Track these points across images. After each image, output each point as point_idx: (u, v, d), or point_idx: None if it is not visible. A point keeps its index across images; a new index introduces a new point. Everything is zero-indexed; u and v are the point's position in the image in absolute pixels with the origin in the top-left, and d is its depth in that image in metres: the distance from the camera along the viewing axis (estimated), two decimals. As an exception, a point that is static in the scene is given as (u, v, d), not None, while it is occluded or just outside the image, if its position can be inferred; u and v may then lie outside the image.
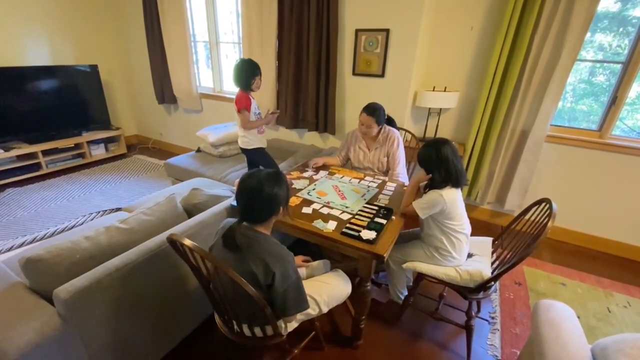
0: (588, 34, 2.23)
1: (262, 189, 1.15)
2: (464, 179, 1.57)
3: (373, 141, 2.30)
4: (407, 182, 2.21)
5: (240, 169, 2.91)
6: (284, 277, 1.16)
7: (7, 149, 3.43)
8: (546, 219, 1.47)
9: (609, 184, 2.53)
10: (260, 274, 1.14)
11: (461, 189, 1.60)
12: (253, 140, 2.40)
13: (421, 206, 1.58)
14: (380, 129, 2.24)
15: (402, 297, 1.94)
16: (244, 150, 2.48)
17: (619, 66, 2.38)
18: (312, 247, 2.20)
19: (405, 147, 2.33)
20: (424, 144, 1.63)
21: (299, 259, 1.59)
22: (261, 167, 1.32)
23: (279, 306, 1.19)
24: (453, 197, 1.55)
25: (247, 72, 2.21)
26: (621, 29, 2.37)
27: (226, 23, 3.76)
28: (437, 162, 1.54)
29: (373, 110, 2.14)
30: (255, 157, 2.49)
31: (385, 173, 2.34)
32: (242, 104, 2.26)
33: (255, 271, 1.13)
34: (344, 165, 2.49)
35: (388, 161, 2.29)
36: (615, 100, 2.40)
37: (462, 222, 1.62)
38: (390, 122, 2.32)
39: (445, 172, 1.53)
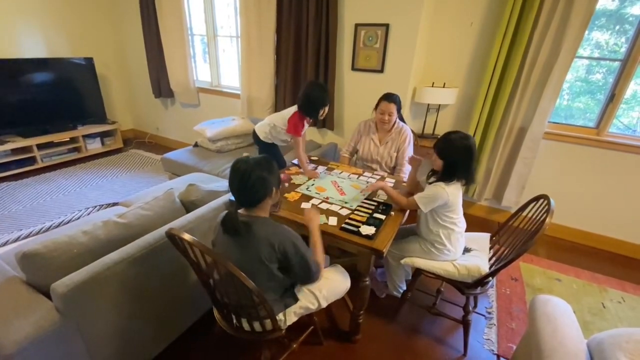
0: (586, 32, 2.24)
1: (252, 171, 1.19)
2: (472, 179, 1.57)
3: (386, 134, 2.29)
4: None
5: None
6: (294, 248, 1.22)
7: (1, 143, 3.39)
8: (544, 215, 1.48)
9: (606, 181, 2.55)
10: (267, 252, 1.18)
11: (464, 186, 1.59)
12: (274, 138, 2.26)
13: (423, 200, 1.58)
14: (396, 120, 2.24)
15: (401, 291, 1.95)
16: (257, 140, 2.33)
17: (616, 64, 2.39)
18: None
19: None
20: (450, 132, 1.56)
21: None
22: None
23: (302, 276, 1.30)
24: (456, 192, 1.55)
25: (319, 99, 2.00)
26: (618, 27, 2.38)
27: (224, 17, 3.72)
28: (465, 155, 1.51)
29: (393, 98, 2.14)
30: (265, 149, 2.35)
31: (392, 169, 2.34)
32: (296, 130, 2.06)
33: (260, 255, 1.17)
34: (351, 159, 2.48)
35: (397, 156, 2.28)
36: (612, 98, 2.41)
37: (459, 216, 1.63)
38: (400, 117, 2.32)
39: (466, 167, 1.52)
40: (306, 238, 1.70)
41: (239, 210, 1.25)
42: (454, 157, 1.53)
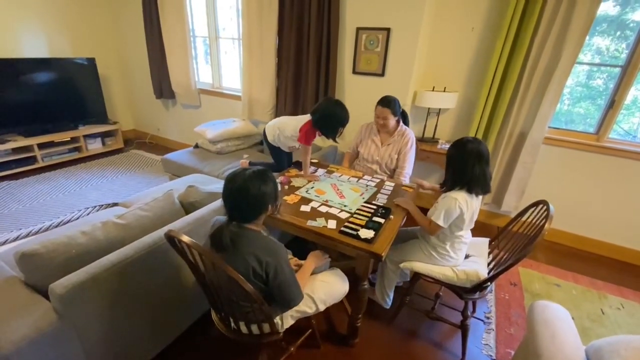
0: (586, 37, 2.24)
1: (248, 188, 1.15)
2: (478, 187, 1.49)
3: (388, 136, 2.29)
4: (408, 183, 2.22)
5: (239, 166, 2.89)
6: (276, 270, 1.17)
7: (2, 142, 3.40)
8: (543, 221, 1.48)
9: (605, 187, 2.55)
10: (252, 270, 1.14)
11: (476, 195, 1.52)
12: (280, 143, 2.27)
13: (440, 216, 1.51)
14: (398, 121, 2.24)
15: (389, 301, 1.93)
16: (265, 139, 2.35)
17: (617, 70, 2.40)
18: (310, 245, 2.20)
19: None
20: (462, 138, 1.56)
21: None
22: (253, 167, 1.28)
23: (280, 298, 1.22)
24: (470, 202, 1.50)
25: (341, 119, 1.97)
26: (619, 33, 2.39)
27: (226, 19, 3.73)
28: (455, 160, 1.50)
29: (388, 102, 2.13)
30: (270, 149, 2.39)
31: (392, 171, 2.35)
32: (303, 139, 2.06)
33: (243, 271, 1.12)
34: (354, 157, 2.48)
35: (398, 159, 2.28)
36: (613, 104, 2.42)
37: (467, 232, 1.62)
38: (405, 117, 2.32)
39: (459, 172, 1.49)
40: (301, 240, 1.71)
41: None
42: (447, 160, 1.54)
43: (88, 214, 2.82)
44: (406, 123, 2.32)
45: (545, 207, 1.54)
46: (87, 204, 3.02)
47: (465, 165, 1.47)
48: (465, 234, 1.61)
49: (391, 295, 1.93)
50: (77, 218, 2.76)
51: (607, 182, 2.54)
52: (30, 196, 3.13)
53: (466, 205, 1.49)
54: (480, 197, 1.56)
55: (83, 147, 4.05)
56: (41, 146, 3.67)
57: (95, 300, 1.22)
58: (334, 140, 2.08)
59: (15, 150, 3.54)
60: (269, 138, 2.28)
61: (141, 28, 3.95)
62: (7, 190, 3.21)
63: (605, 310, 2.08)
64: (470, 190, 1.50)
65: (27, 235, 2.49)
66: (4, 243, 2.39)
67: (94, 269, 1.21)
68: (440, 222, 1.52)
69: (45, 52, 3.79)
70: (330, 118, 1.97)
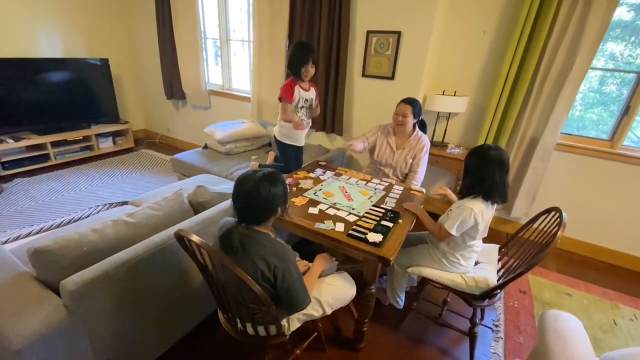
0: (600, 43, 2.20)
1: (258, 191, 1.15)
2: (496, 196, 1.47)
3: (404, 140, 2.29)
4: (419, 188, 2.21)
5: (247, 167, 2.91)
6: (285, 274, 1.16)
7: (16, 139, 3.47)
8: (556, 228, 1.45)
9: (619, 195, 2.50)
10: (260, 273, 1.14)
11: (492, 204, 1.51)
12: (287, 134, 2.36)
13: (454, 225, 1.48)
14: (415, 125, 2.26)
15: (401, 302, 1.92)
16: (275, 139, 2.46)
17: (631, 75, 2.36)
18: (317, 247, 2.20)
19: None
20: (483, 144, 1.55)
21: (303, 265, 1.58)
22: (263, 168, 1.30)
23: (287, 301, 1.22)
24: (485, 211, 1.47)
25: (297, 58, 2.15)
26: (634, 38, 2.35)
27: (236, 21, 3.77)
28: (476, 166, 1.48)
29: (410, 101, 2.18)
30: (280, 148, 2.46)
31: (404, 176, 2.34)
32: (281, 93, 2.21)
33: (251, 273, 1.12)
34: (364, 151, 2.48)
35: (412, 163, 2.29)
36: (628, 110, 2.37)
37: (479, 241, 1.60)
38: (423, 125, 2.34)
39: (479, 179, 1.46)
40: (308, 242, 1.70)
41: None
42: (466, 166, 1.52)
43: (98, 212, 2.86)
44: (424, 131, 2.33)
45: (558, 215, 1.51)
46: (97, 202, 3.06)
47: (487, 173, 1.44)
48: (478, 242, 1.59)
49: (402, 296, 1.92)
50: (88, 216, 2.80)
51: (621, 189, 2.48)
52: (42, 193, 3.18)
53: (481, 215, 1.47)
54: (495, 206, 1.54)
55: (95, 145, 4.12)
56: (54, 144, 3.75)
57: (104, 297, 1.24)
58: (300, 78, 2.21)
59: (29, 148, 3.61)
60: (277, 136, 2.41)
61: (154, 29, 4.01)
62: (20, 187, 3.27)
63: (618, 321, 2.04)
64: (486, 198, 1.48)
65: (39, 232, 2.53)
66: (17, 239, 2.44)
67: (104, 266, 1.22)
68: (453, 232, 1.50)
69: (60, 52, 3.86)
70: (292, 59, 2.19)
